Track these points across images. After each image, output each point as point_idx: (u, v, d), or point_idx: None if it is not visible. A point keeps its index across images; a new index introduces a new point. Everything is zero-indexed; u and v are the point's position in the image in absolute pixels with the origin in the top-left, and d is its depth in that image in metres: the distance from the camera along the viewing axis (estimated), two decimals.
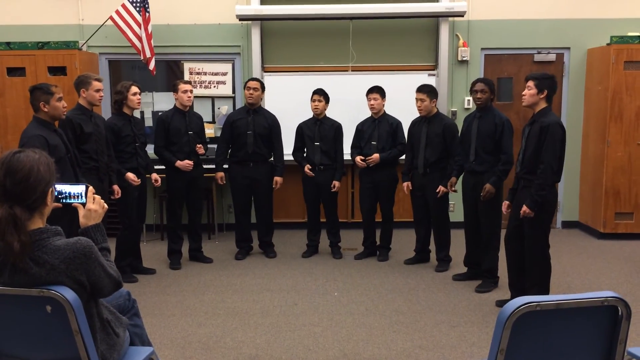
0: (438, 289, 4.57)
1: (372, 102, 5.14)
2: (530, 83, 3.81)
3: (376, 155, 5.12)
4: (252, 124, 5.24)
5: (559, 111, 6.37)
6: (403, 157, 5.21)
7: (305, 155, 5.41)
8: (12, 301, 1.95)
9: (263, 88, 5.37)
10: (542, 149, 3.72)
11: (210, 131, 6.21)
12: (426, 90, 4.88)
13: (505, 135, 4.36)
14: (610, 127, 5.87)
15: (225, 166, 5.42)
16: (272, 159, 5.40)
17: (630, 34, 5.98)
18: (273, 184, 5.34)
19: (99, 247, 2.02)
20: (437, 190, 4.86)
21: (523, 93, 3.88)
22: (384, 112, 5.24)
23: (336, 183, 5.30)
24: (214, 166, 5.46)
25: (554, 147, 3.70)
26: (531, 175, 3.81)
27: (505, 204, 4.11)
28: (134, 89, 4.71)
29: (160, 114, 5.37)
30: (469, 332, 3.71)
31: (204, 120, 5.37)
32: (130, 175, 4.62)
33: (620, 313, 1.77)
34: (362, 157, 5.18)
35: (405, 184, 5.09)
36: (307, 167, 5.30)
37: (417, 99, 4.89)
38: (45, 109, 3.83)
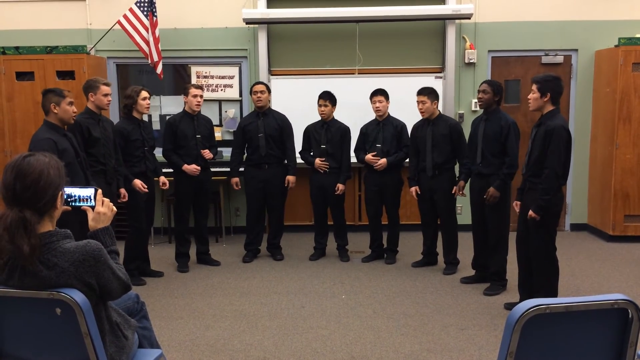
0: (446, 291, 4.55)
1: (378, 104, 5.14)
2: (534, 87, 3.81)
3: (384, 160, 5.12)
4: (262, 127, 5.26)
5: (567, 113, 6.34)
6: (408, 160, 5.21)
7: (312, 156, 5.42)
8: (22, 304, 1.96)
9: (269, 90, 5.39)
10: (547, 153, 3.71)
11: (217, 134, 6.23)
12: (426, 92, 4.88)
13: (511, 138, 4.35)
14: (618, 129, 5.84)
15: (241, 169, 5.44)
16: (286, 161, 5.40)
17: (638, 35, 5.94)
18: (285, 183, 5.34)
19: (108, 250, 2.03)
20: (453, 192, 4.85)
21: (528, 97, 3.88)
22: (388, 114, 5.24)
23: (340, 186, 5.28)
24: (222, 169, 5.46)
25: (558, 152, 3.69)
26: (536, 178, 3.80)
27: (516, 203, 4.09)
28: (144, 93, 4.74)
29: (169, 117, 5.39)
30: (477, 335, 3.70)
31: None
32: (138, 183, 4.64)
33: (630, 316, 1.75)
34: (373, 154, 5.15)
35: (413, 188, 5.06)
36: (318, 160, 5.28)
37: (418, 102, 4.89)
38: (56, 111, 3.86)
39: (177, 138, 5.07)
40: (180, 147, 5.08)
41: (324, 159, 5.29)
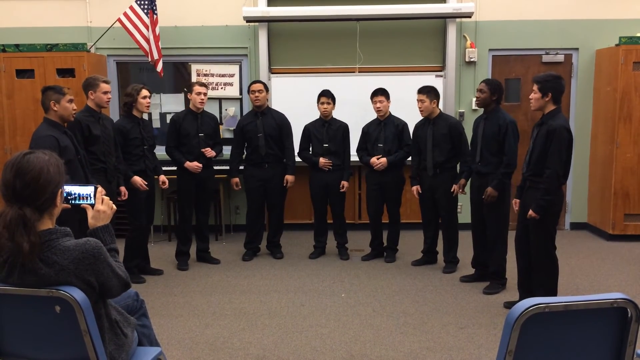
0: (445, 290, 4.56)
1: (378, 104, 5.14)
2: (535, 87, 3.80)
3: (384, 160, 5.12)
4: (261, 127, 5.26)
5: (567, 112, 6.33)
6: (410, 159, 5.20)
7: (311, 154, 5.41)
8: (21, 301, 1.96)
9: (267, 89, 5.39)
10: (548, 153, 3.71)
11: None
12: (426, 91, 4.87)
13: (509, 137, 4.33)
14: (619, 128, 5.84)
15: (241, 167, 5.44)
16: (285, 160, 5.40)
17: (639, 34, 5.94)
18: (284, 182, 5.34)
19: (107, 248, 2.03)
20: (452, 190, 4.86)
21: (530, 97, 3.87)
22: (390, 113, 5.24)
23: (344, 183, 5.31)
24: (222, 168, 5.46)
25: (559, 152, 3.69)
26: (537, 177, 3.80)
27: (515, 202, 4.10)
28: (144, 92, 4.74)
29: (173, 114, 5.40)
30: (476, 334, 3.70)
31: None
32: (138, 180, 4.64)
33: (629, 315, 1.75)
34: (378, 157, 5.15)
35: (414, 187, 5.07)
36: (322, 159, 5.28)
37: (417, 100, 4.90)
38: (55, 108, 3.86)
39: (180, 135, 5.08)
40: (182, 144, 5.09)
41: (326, 157, 5.29)
